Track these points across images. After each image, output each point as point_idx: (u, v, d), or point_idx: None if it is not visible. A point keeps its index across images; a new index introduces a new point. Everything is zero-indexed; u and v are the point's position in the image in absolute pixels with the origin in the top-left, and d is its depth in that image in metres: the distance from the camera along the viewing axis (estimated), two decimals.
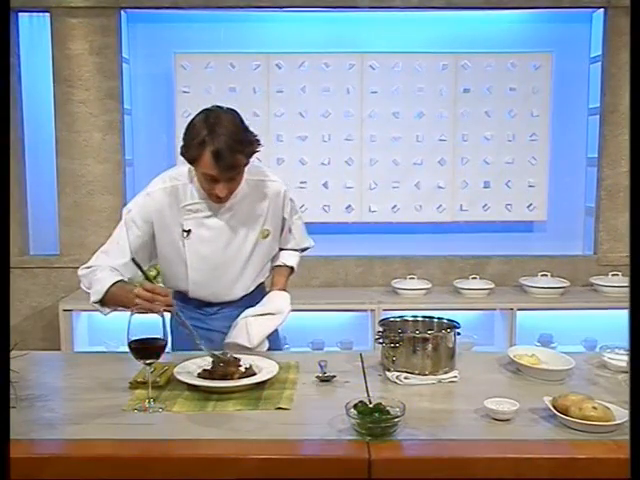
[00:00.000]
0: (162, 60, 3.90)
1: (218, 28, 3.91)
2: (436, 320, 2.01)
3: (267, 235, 2.17)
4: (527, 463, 1.40)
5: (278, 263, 2.31)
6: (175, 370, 1.79)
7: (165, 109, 3.94)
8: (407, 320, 2.04)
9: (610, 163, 3.88)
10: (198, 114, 1.94)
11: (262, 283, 2.28)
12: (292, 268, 2.33)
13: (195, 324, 2.09)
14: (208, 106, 1.96)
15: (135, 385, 1.76)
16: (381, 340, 1.90)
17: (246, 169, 2.01)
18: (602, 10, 3.81)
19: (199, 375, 1.77)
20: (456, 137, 3.89)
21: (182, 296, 2.18)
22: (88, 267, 2.07)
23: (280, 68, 3.83)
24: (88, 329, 3.88)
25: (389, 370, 1.85)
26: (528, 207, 3.94)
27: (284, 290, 2.24)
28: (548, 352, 2.04)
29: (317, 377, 1.82)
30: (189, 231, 2.07)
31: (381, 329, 1.94)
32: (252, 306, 2.15)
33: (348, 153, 3.90)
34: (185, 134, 1.94)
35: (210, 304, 2.16)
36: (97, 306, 2.01)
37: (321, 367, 1.88)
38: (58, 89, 3.79)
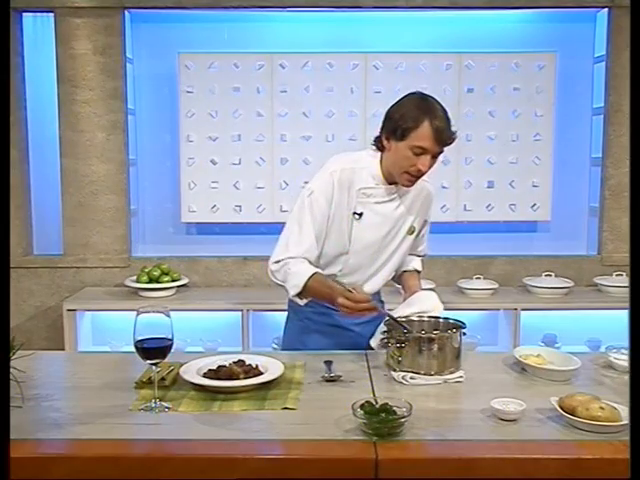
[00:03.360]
0: (166, 60, 3.89)
1: (222, 28, 3.91)
2: (442, 320, 2.01)
3: (412, 232, 2.23)
4: (534, 463, 1.40)
5: (409, 268, 2.36)
6: (181, 370, 1.80)
7: (169, 109, 3.93)
8: (413, 320, 2.03)
9: (614, 163, 3.87)
10: (406, 96, 2.08)
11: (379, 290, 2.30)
12: (419, 273, 2.38)
13: (322, 320, 2.20)
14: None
15: (141, 385, 1.76)
16: (387, 340, 1.90)
17: None
18: (606, 10, 3.80)
19: (205, 375, 1.78)
20: (460, 137, 3.85)
21: None
22: (278, 261, 2.08)
23: (284, 68, 3.83)
24: (92, 329, 3.89)
25: (395, 370, 1.85)
26: (532, 207, 3.94)
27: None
28: (554, 352, 2.04)
29: (323, 377, 1.83)
30: (361, 214, 2.11)
31: (387, 329, 1.94)
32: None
33: None
34: (394, 112, 2.05)
35: None
36: (295, 298, 2.07)
37: (327, 367, 1.88)
38: (62, 89, 3.79)
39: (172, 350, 1.66)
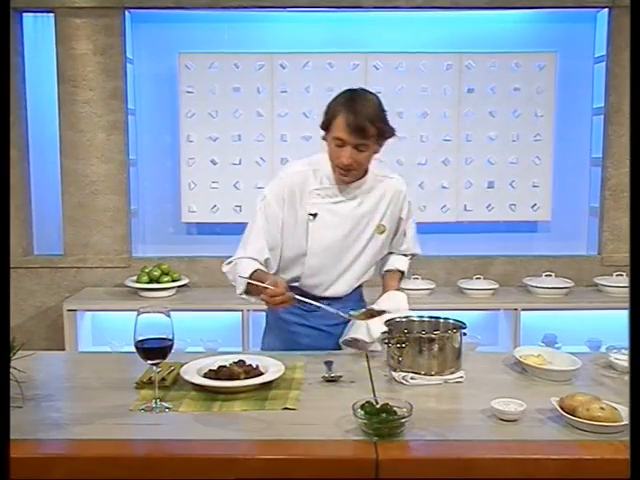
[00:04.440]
0: (166, 60, 3.89)
1: (222, 28, 3.91)
2: (442, 320, 2.01)
3: (383, 231, 2.21)
4: (534, 464, 1.40)
5: (389, 267, 2.34)
6: (181, 370, 1.80)
7: (169, 109, 3.93)
8: (413, 320, 2.04)
9: (614, 163, 3.87)
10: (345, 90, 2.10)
11: (360, 287, 2.30)
12: (403, 273, 2.36)
13: (295, 320, 2.21)
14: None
15: (141, 385, 1.76)
16: (387, 340, 1.90)
17: (373, 165, 2.14)
18: (606, 10, 3.80)
19: (205, 375, 1.78)
20: (460, 137, 3.89)
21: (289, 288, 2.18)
22: (229, 262, 2.14)
23: (284, 68, 3.83)
24: (92, 329, 3.89)
25: (395, 370, 1.85)
26: (532, 207, 3.94)
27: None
28: (554, 352, 2.04)
29: (323, 377, 1.83)
30: (315, 214, 2.12)
31: (387, 329, 1.94)
32: (350, 308, 2.16)
33: None
34: (328, 104, 2.10)
35: (313, 298, 2.14)
36: (244, 297, 2.09)
37: (327, 367, 1.88)
38: (62, 89, 3.79)
39: (172, 350, 1.66)
